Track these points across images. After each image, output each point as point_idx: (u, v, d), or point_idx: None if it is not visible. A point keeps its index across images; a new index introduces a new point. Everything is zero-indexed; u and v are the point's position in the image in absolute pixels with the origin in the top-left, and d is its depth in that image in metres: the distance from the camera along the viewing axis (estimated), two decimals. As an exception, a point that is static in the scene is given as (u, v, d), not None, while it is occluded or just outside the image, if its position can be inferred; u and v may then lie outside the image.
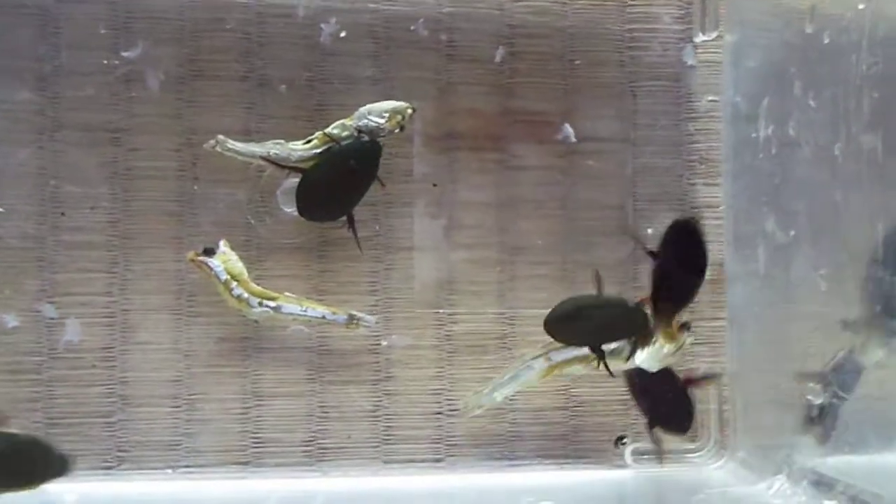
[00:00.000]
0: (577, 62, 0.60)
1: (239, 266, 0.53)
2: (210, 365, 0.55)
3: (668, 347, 0.54)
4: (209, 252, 0.53)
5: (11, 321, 0.54)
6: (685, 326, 0.54)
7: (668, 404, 0.57)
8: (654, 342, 0.54)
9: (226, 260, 0.53)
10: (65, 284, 0.54)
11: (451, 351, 0.58)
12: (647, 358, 0.54)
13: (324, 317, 0.54)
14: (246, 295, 0.53)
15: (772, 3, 0.55)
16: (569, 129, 0.59)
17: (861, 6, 0.43)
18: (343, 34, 0.57)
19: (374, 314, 0.56)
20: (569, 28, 0.60)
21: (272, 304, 0.54)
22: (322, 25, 0.57)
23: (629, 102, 0.60)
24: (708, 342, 0.59)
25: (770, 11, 0.55)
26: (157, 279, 0.55)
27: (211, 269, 0.53)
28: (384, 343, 0.57)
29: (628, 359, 0.54)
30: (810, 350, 0.51)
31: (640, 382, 0.56)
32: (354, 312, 0.55)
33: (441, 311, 0.58)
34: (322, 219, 0.55)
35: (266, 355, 0.56)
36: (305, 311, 0.54)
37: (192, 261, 0.53)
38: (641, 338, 0.54)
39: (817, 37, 0.45)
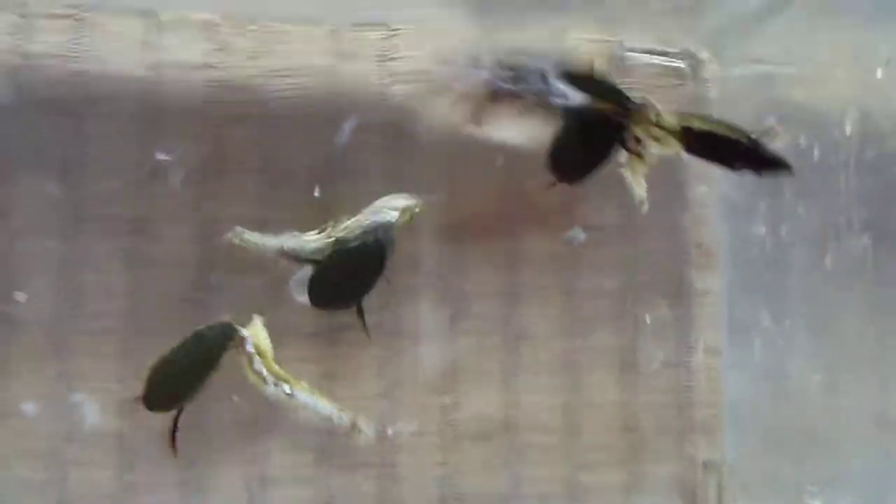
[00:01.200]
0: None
1: (266, 343, 0.55)
2: (218, 450, 0.57)
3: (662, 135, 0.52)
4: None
5: (30, 407, 0.55)
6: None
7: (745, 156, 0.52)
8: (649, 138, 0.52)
9: (255, 334, 0.55)
10: (81, 370, 0.56)
11: (456, 437, 0.59)
12: (659, 148, 0.53)
13: (330, 416, 0.56)
14: (265, 372, 0.54)
15: (765, 110, 0.57)
16: (578, 231, 0.61)
17: (848, 129, 0.46)
18: (358, 130, 0.59)
19: (382, 399, 0.58)
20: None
21: (287, 388, 0.55)
22: (344, 126, 0.59)
23: (626, 191, 0.62)
24: (705, 431, 0.61)
25: (763, 118, 0.57)
26: (171, 365, 0.57)
27: (243, 340, 0.54)
28: (390, 431, 0.58)
29: (642, 159, 0.53)
30: (815, 439, 0.52)
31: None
32: (359, 421, 0.56)
33: (446, 397, 0.59)
34: (332, 308, 0.57)
35: (275, 437, 0.57)
36: (315, 404, 0.55)
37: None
38: (633, 143, 0.53)
39: (808, 150, 0.48)
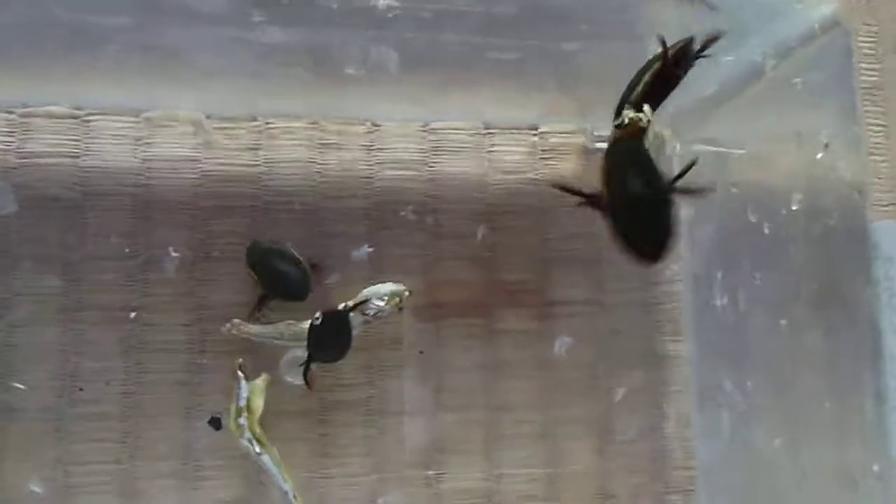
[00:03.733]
0: (550, 236, 0.66)
1: (259, 403, 0.57)
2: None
3: None
4: (216, 422, 0.57)
5: (35, 487, 0.56)
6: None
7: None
8: None
9: (252, 390, 0.57)
10: (79, 454, 0.58)
11: (442, 509, 0.61)
12: None
13: (286, 493, 0.57)
14: (245, 425, 0.57)
15: (721, 187, 0.61)
16: (564, 340, 0.64)
17: (794, 207, 0.50)
18: (343, 217, 0.63)
19: (371, 475, 0.60)
20: (541, 205, 0.66)
21: (258, 449, 0.57)
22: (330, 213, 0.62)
23: (598, 270, 0.66)
24: (681, 490, 0.63)
25: (717, 197, 0.61)
26: (166, 446, 0.59)
27: (239, 387, 0.57)
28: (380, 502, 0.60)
29: None
30: (781, 499, 0.55)
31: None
32: None
33: (430, 471, 0.61)
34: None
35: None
36: (277, 476, 0.57)
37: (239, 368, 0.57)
38: None
39: (759, 226, 0.52)
